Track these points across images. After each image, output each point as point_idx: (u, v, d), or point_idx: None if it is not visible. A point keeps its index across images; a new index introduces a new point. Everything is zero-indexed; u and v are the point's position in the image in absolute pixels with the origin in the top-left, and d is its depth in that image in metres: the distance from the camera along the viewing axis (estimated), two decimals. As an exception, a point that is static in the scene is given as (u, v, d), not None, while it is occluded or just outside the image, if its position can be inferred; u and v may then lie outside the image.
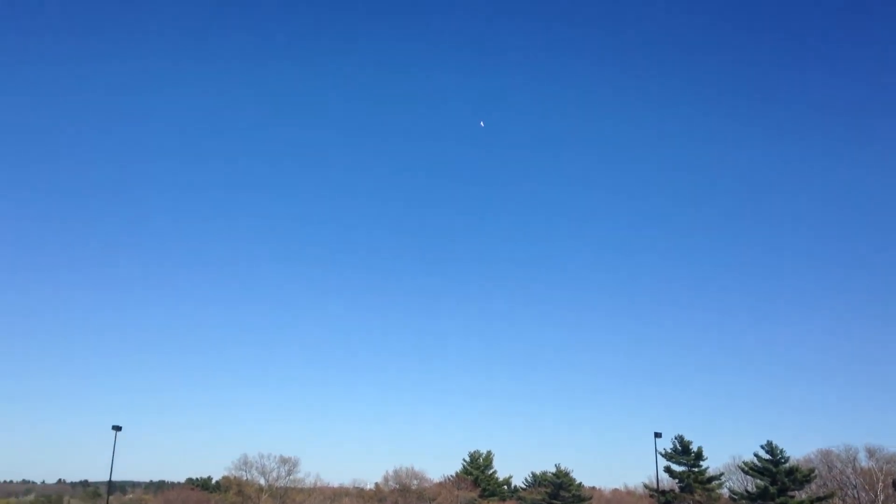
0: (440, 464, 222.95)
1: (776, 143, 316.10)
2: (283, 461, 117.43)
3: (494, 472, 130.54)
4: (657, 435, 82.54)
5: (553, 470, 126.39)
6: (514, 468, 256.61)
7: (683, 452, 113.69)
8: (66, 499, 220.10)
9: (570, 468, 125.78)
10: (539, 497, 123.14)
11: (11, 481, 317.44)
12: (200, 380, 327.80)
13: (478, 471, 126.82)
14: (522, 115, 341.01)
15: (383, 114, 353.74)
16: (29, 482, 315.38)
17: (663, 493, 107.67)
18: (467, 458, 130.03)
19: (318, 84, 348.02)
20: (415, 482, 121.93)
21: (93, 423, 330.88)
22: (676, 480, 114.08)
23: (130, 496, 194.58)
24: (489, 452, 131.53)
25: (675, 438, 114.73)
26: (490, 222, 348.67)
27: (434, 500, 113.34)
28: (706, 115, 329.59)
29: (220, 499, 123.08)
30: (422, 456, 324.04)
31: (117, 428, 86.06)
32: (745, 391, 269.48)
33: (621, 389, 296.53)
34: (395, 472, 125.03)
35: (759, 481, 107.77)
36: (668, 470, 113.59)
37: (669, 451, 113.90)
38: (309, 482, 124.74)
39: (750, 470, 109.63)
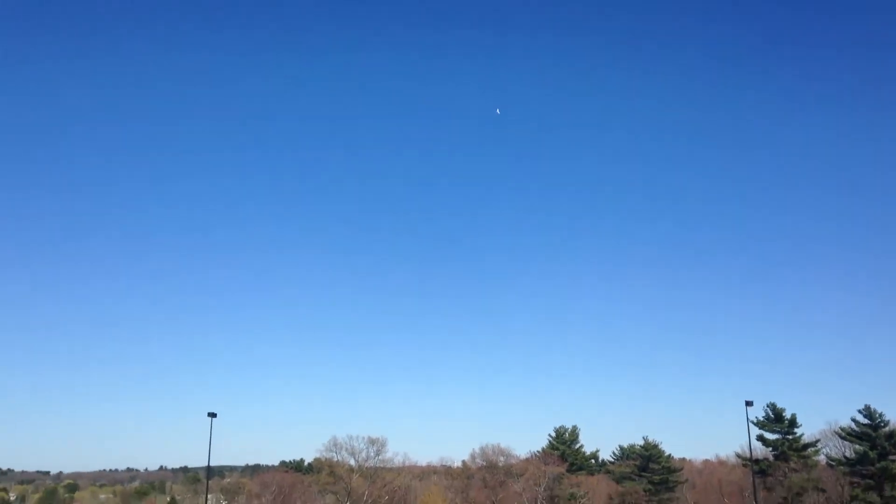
0: (526, 440, 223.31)
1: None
2: (372, 442, 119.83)
3: (581, 446, 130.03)
4: (748, 403, 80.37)
5: (641, 443, 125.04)
6: (600, 442, 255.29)
7: (776, 420, 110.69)
8: (168, 485, 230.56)
9: (658, 440, 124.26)
10: (628, 470, 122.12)
11: (117, 469, 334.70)
12: (290, 367, 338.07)
13: (564, 446, 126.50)
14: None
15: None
16: (133, 470, 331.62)
17: (757, 461, 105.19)
18: (553, 434, 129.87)
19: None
20: (501, 459, 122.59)
21: (191, 411, 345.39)
22: (770, 449, 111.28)
23: (228, 480, 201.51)
24: (575, 427, 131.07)
25: (767, 406, 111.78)
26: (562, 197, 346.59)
27: (521, 475, 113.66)
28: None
29: (314, 480, 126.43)
30: (507, 433, 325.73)
31: (213, 415, 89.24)
32: (837, 357, 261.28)
33: (709, 360, 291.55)
34: (482, 449, 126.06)
35: (857, 446, 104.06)
36: (760, 438, 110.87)
37: (762, 419, 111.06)
38: (397, 462, 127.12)
39: (847, 435, 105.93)
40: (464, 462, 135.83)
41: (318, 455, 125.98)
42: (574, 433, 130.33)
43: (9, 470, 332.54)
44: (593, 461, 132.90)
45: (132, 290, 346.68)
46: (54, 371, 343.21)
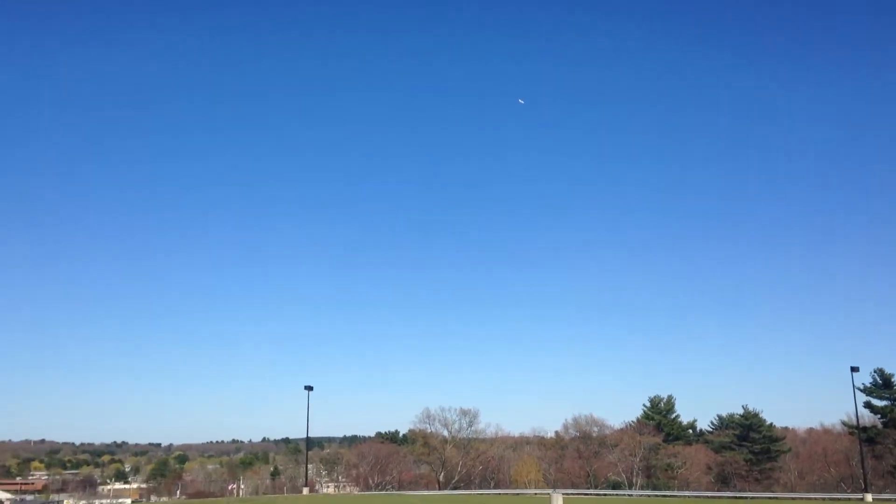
0: (619, 411, 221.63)
1: None
2: (464, 413, 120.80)
3: (677, 416, 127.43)
4: (854, 369, 76.67)
5: (740, 412, 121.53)
6: (697, 412, 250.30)
7: (885, 386, 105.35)
8: (270, 455, 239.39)
9: (758, 409, 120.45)
10: (727, 440, 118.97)
11: (223, 441, 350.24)
12: (383, 340, 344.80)
13: (659, 416, 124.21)
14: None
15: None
16: (238, 441, 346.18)
17: (864, 429, 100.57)
18: (647, 404, 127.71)
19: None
20: (595, 429, 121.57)
21: (291, 386, 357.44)
22: (878, 416, 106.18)
23: (327, 451, 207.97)
24: (670, 397, 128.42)
25: (875, 372, 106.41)
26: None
27: (616, 445, 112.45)
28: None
29: (408, 450, 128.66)
30: (600, 403, 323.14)
31: (309, 388, 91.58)
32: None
33: (812, 325, 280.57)
34: (575, 419, 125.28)
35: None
36: (868, 406, 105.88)
37: (869, 385, 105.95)
38: (490, 433, 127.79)
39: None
40: (557, 433, 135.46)
41: (411, 427, 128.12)
42: (670, 403, 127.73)
43: (123, 443, 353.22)
44: (690, 431, 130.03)
45: (233, 272, 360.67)
46: (164, 351, 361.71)
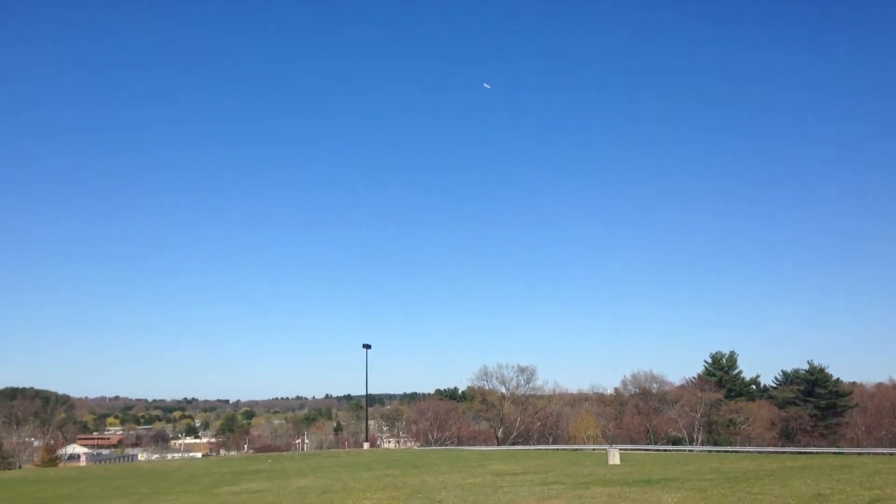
0: (678, 367, 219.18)
1: None
2: (521, 370, 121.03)
3: (740, 371, 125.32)
4: (928, 324, 73.93)
5: (805, 367, 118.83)
6: (760, 368, 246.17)
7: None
8: (333, 411, 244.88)
9: (824, 364, 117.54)
10: (791, 395, 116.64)
11: (287, 398, 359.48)
12: (441, 298, 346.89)
13: (721, 372, 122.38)
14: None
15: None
16: (302, 398, 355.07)
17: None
18: (709, 360, 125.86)
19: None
20: (654, 385, 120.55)
21: (353, 343, 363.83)
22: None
23: (388, 407, 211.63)
24: (732, 353, 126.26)
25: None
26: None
27: (676, 402, 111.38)
28: None
29: (467, 407, 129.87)
30: (659, 360, 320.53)
31: (367, 346, 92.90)
32: None
33: (878, 277, 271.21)
34: (634, 376, 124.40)
35: None
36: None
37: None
38: (548, 390, 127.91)
39: None
40: (616, 389, 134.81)
41: (469, 384, 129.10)
42: (732, 358, 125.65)
43: (193, 399, 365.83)
44: (753, 387, 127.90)
45: (296, 234, 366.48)
46: (230, 312, 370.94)
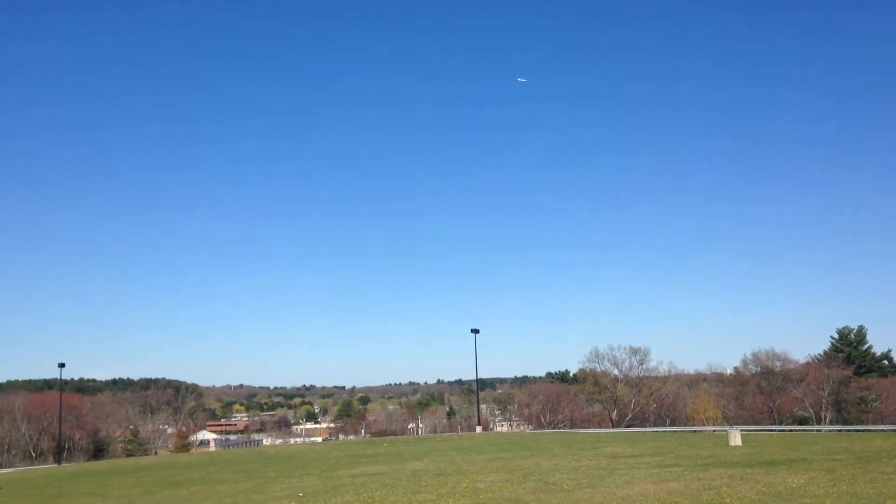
0: (801, 344, 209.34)
1: None
2: (633, 351, 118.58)
3: (869, 347, 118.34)
4: None
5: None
6: (892, 342, 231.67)
7: None
8: (445, 396, 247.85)
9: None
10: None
11: (400, 383, 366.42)
12: (548, 280, 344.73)
13: (849, 347, 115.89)
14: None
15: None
16: (414, 383, 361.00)
17: None
18: (835, 336, 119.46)
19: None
20: (777, 364, 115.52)
21: (463, 329, 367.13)
22: None
23: (499, 391, 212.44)
24: (861, 327, 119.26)
25: None
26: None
27: (802, 380, 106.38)
28: None
29: (579, 389, 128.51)
30: (780, 337, 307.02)
31: (475, 331, 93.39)
32: None
33: None
34: (755, 354, 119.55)
35: None
36: None
37: None
38: (662, 370, 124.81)
39: None
40: (736, 369, 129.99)
41: (580, 366, 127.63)
42: (861, 333, 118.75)
43: (311, 386, 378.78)
44: (885, 362, 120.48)
45: (407, 223, 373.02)
46: (346, 303, 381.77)
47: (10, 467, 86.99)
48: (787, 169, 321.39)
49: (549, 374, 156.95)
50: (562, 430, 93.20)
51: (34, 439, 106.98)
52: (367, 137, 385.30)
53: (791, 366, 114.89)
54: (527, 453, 39.50)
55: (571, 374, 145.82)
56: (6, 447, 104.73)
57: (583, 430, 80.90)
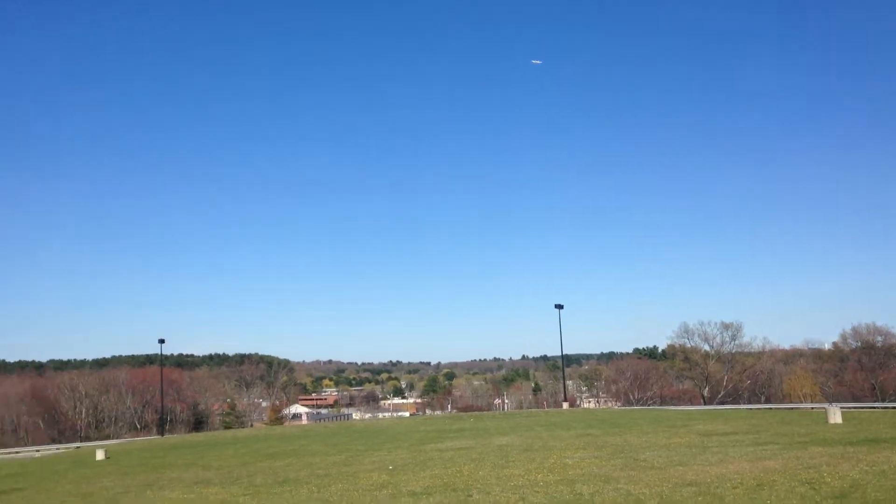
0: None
1: None
2: (725, 327, 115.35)
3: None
4: None
5: None
6: None
7: None
8: (530, 372, 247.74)
9: None
10: None
11: (485, 359, 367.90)
12: (635, 254, 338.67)
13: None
14: None
15: None
16: (499, 359, 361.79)
17: None
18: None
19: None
20: (879, 338, 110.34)
21: (547, 304, 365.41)
22: None
23: (585, 367, 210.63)
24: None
25: None
26: None
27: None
28: None
29: (668, 366, 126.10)
30: (882, 311, 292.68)
31: (559, 307, 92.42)
32: None
33: None
34: (855, 329, 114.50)
35: None
36: None
37: None
38: (756, 346, 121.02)
39: None
40: (835, 344, 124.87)
41: (669, 342, 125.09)
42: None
43: (398, 362, 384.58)
44: None
45: (487, 200, 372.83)
46: (431, 279, 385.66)
47: (117, 438, 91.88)
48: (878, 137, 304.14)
49: (636, 350, 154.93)
50: (651, 407, 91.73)
51: (138, 412, 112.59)
52: (451, 111, 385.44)
53: (894, 340, 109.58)
54: (615, 430, 39.02)
55: (660, 350, 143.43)
56: (114, 419, 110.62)
57: (673, 407, 79.34)
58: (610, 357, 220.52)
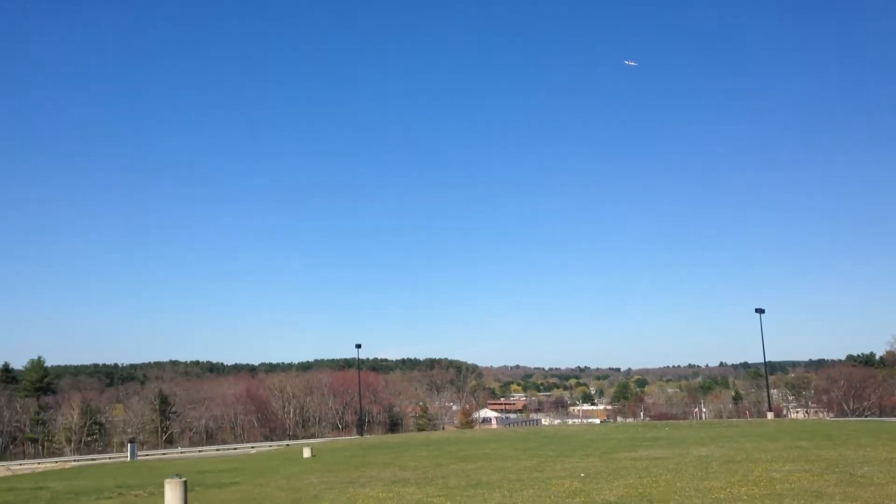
0: None
1: None
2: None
3: None
4: None
5: None
6: None
7: None
8: (730, 380, 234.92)
9: None
10: None
11: (679, 366, 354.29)
12: (844, 256, 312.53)
13: None
14: None
15: None
16: (694, 366, 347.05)
17: None
18: None
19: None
20: None
21: (745, 308, 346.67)
22: None
23: (791, 375, 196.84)
24: None
25: None
26: None
27: None
28: None
29: (888, 374, 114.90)
30: None
31: (760, 311, 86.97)
32: None
33: None
34: None
35: None
36: None
37: None
38: None
39: None
40: None
41: (889, 348, 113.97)
42: None
43: (586, 367, 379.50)
44: None
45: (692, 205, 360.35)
46: (624, 285, 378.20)
47: (321, 437, 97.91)
48: None
49: (850, 357, 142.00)
50: (868, 419, 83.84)
51: (339, 412, 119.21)
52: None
53: None
54: (828, 443, 35.93)
55: (878, 357, 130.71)
56: (318, 419, 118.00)
57: (894, 419, 71.98)
58: (819, 364, 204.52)
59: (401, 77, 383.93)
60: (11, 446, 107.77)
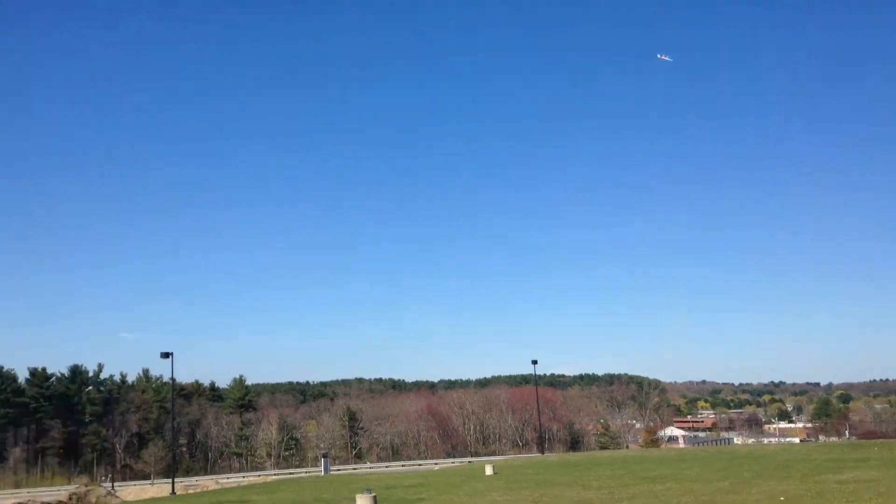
0: None
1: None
2: None
3: None
4: None
5: None
6: None
7: None
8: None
9: None
10: None
11: (887, 379, 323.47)
12: None
13: None
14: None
15: None
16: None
17: None
18: None
19: None
20: None
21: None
22: None
23: None
24: None
25: None
26: None
27: None
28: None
29: None
30: None
31: None
32: None
33: None
34: None
35: None
36: None
37: None
38: None
39: None
40: None
41: None
42: None
43: (781, 382, 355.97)
44: None
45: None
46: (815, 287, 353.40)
47: (502, 454, 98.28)
48: None
49: None
50: None
51: (519, 429, 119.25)
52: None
53: None
54: None
55: None
56: (497, 436, 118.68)
57: None
58: None
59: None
60: (219, 460, 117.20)
